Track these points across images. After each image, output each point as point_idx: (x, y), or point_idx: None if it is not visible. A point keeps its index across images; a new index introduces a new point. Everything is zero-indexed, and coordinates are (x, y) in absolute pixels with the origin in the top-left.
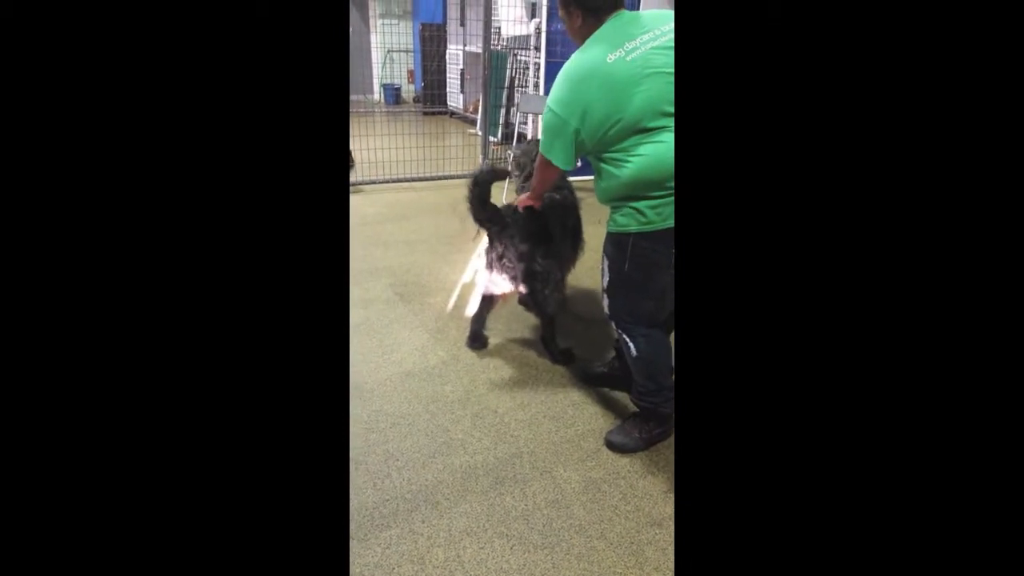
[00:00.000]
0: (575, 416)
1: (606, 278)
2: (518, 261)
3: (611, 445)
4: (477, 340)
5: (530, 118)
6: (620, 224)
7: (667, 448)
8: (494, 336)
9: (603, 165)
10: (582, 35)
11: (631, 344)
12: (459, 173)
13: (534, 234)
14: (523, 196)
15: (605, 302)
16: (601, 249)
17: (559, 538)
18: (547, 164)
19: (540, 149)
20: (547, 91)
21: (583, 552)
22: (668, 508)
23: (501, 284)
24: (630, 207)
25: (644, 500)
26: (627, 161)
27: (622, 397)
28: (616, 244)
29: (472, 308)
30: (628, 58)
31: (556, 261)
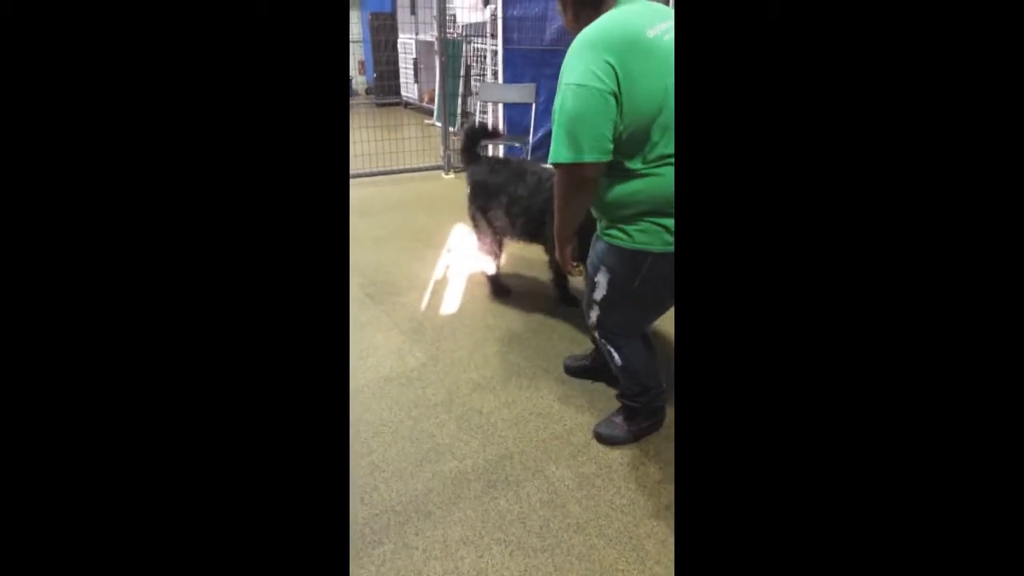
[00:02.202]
0: (561, 412)
1: (600, 291)
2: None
3: (601, 439)
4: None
5: (490, 107)
6: (639, 241)
7: (657, 438)
8: (472, 335)
9: (631, 165)
10: (580, 24)
11: (616, 355)
12: (420, 166)
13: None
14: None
15: (594, 313)
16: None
17: (558, 539)
18: (573, 174)
19: (555, 158)
20: (506, 79)
21: (583, 552)
22: (663, 499)
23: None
24: (653, 223)
25: (639, 493)
26: (668, 170)
27: (606, 389)
28: (628, 260)
29: (454, 299)
30: (665, 38)
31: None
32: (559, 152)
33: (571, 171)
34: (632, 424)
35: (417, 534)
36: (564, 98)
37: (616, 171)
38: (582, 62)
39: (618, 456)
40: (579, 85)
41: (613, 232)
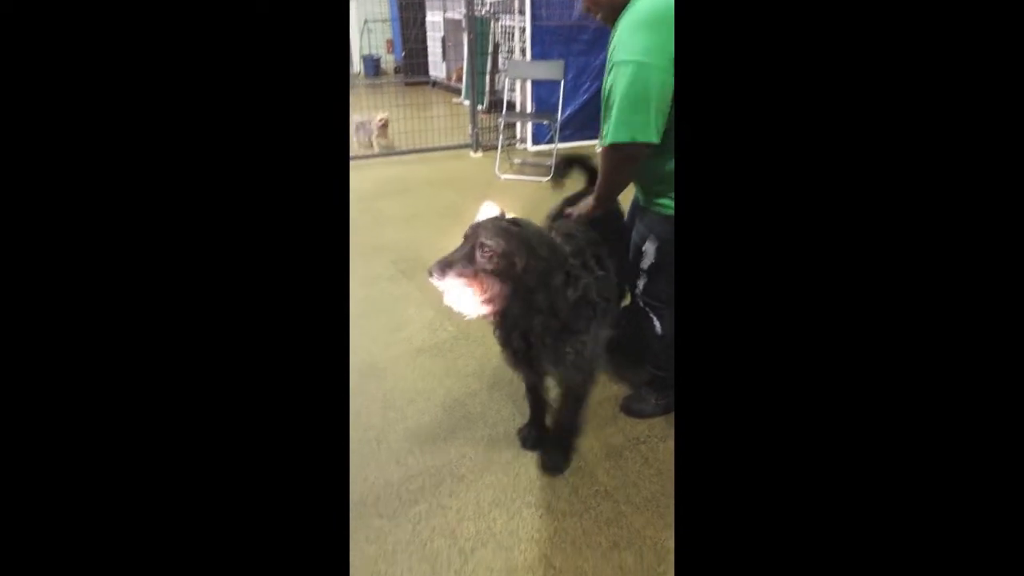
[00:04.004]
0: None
1: (648, 259)
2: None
3: (628, 411)
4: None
5: (518, 84)
6: None
7: None
8: None
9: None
10: None
11: (658, 323)
12: (448, 144)
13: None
14: (584, 205)
15: (640, 282)
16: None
17: (586, 504)
18: (628, 153)
19: (613, 137)
20: (535, 55)
21: (611, 517)
22: None
23: None
24: None
25: (665, 463)
26: None
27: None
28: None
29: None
30: None
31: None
32: (617, 132)
33: (626, 150)
34: (661, 397)
35: (451, 495)
36: (621, 75)
37: (670, 145)
38: (638, 39)
39: (645, 428)
40: (637, 62)
41: (664, 202)
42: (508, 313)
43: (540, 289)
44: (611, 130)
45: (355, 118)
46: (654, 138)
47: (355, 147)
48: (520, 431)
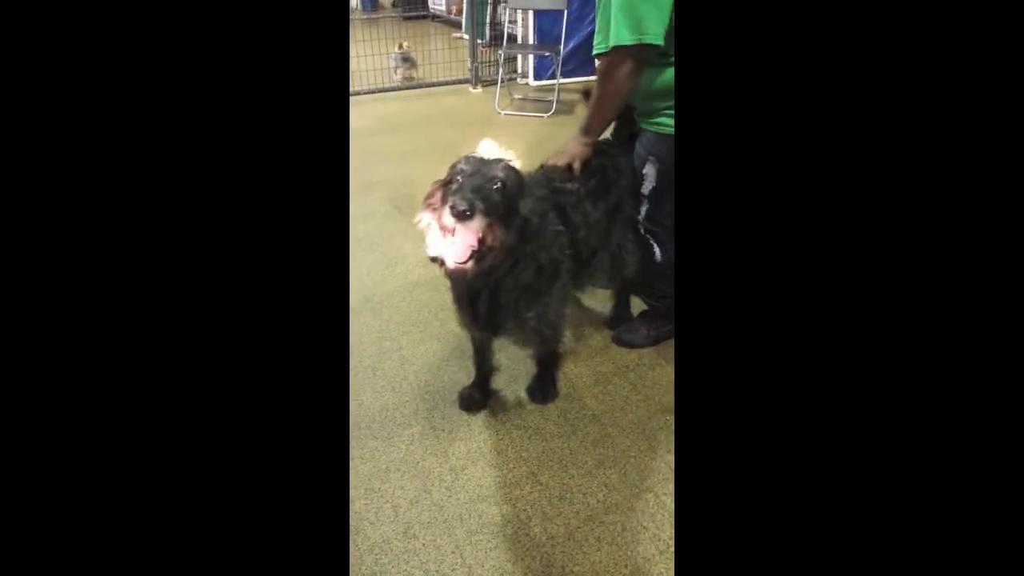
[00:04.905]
0: (580, 317)
1: (649, 183)
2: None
3: (619, 341)
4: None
5: (519, 15)
6: None
7: (674, 343)
8: None
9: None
10: None
11: (657, 249)
12: (446, 80)
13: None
14: (569, 148)
15: (643, 208)
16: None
17: (574, 427)
18: (630, 58)
19: (616, 40)
20: None
21: (598, 438)
22: None
23: None
24: None
25: (653, 390)
26: None
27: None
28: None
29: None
30: None
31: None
32: (620, 33)
33: (631, 55)
34: (652, 328)
35: (443, 418)
36: None
37: (666, 56)
38: None
39: (635, 358)
40: None
41: (661, 120)
42: (476, 271)
43: (516, 250)
44: (613, 31)
45: (395, 51)
46: (661, 40)
47: (399, 79)
48: (462, 392)
